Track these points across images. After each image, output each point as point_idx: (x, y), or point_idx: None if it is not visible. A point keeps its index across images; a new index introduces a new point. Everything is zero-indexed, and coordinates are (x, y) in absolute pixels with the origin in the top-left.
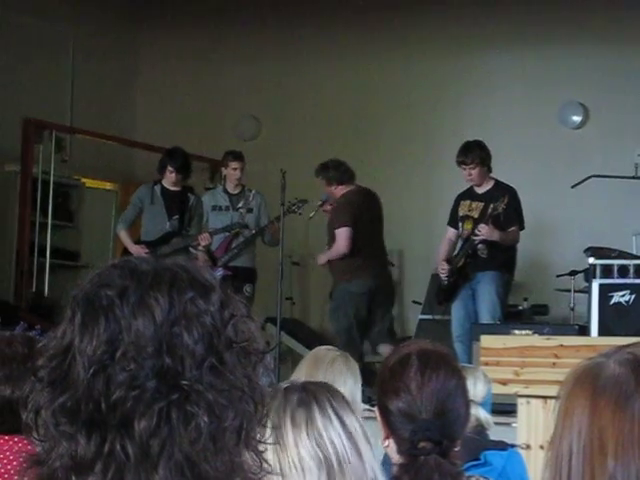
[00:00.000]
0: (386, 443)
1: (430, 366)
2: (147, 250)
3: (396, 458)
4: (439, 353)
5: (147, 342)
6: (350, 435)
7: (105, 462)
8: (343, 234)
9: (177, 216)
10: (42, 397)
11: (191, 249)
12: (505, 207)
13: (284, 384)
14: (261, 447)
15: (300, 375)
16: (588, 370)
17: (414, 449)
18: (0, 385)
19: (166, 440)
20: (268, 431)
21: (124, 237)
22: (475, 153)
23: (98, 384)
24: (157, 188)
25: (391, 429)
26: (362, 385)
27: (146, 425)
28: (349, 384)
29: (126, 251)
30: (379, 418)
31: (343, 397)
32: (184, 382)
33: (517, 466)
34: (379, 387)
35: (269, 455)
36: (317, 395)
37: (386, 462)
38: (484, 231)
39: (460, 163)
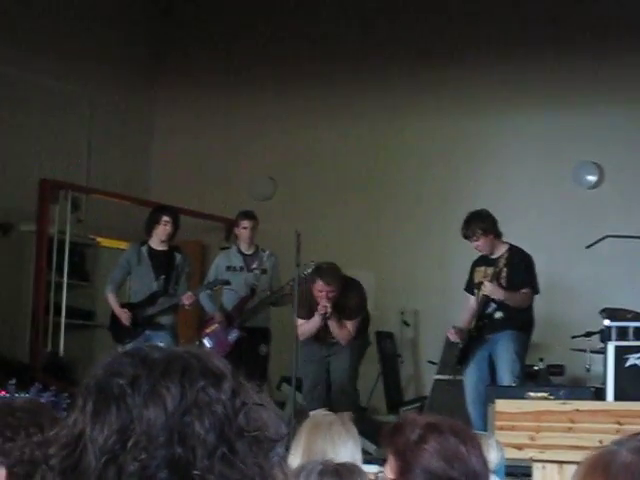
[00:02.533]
0: None
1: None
2: (131, 312)
3: None
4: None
5: (159, 432)
6: None
7: None
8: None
9: (164, 276)
10: None
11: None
12: (506, 264)
13: (318, 465)
14: None
15: (300, 442)
16: (600, 458)
17: None
18: None
19: None
20: None
21: (112, 300)
22: (475, 225)
23: (109, 474)
24: (144, 249)
25: None
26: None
27: None
28: (349, 446)
29: (114, 314)
30: None
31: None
32: (196, 472)
33: None
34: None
35: None
36: None
37: None
38: (488, 288)
39: (465, 237)
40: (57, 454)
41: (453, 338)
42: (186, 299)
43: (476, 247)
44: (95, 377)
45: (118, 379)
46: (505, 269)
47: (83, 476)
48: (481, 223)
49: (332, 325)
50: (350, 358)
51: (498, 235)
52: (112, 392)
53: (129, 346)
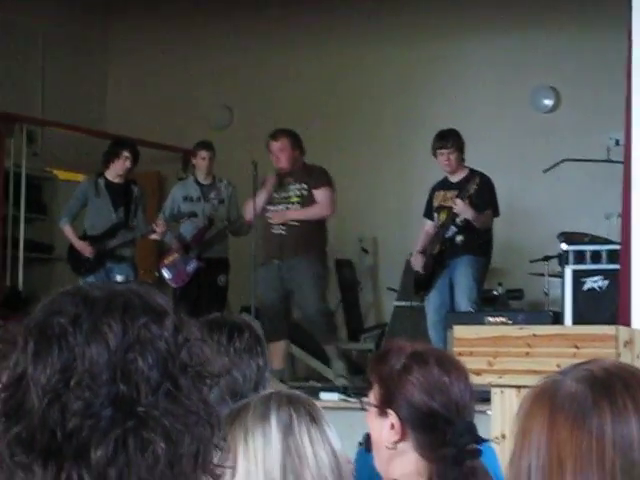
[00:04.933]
0: (400, 446)
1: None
2: (92, 246)
3: (413, 462)
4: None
5: (101, 369)
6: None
7: None
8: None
9: (122, 208)
10: None
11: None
12: (477, 188)
13: (283, 393)
14: (218, 471)
15: None
16: (545, 388)
17: (461, 453)
18: None
19: (123, 468)
20: (226, 455)
21: (69, 232)
22: (453, 138)
23: (53, 413)
24: (101, 181)
25: (422, 431)
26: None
27: (103, 453)
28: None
29: (72, 246)
30: (394, 420)
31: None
32: (140, 409)
33: (491, 463)
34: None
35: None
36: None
37: (363, 462)
38: (459, 206)
39: (439, 148)
40: None
41: (418, 267)
42: (159, 226)
43: (446, 162)
44: (35, 317)
45: (59, 318)
46: (473, 186)
47: (26, 417)
48: (458, 137)
49: (295, 213)
50: (316, 295)
51: (463, 159)
52: (53, 331)
53: (90, 278)
